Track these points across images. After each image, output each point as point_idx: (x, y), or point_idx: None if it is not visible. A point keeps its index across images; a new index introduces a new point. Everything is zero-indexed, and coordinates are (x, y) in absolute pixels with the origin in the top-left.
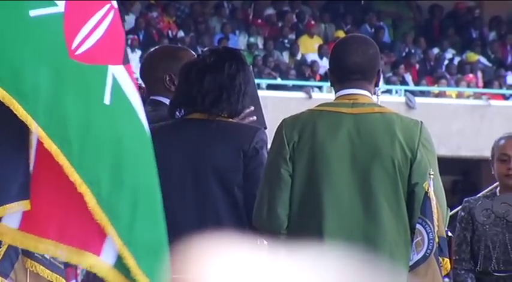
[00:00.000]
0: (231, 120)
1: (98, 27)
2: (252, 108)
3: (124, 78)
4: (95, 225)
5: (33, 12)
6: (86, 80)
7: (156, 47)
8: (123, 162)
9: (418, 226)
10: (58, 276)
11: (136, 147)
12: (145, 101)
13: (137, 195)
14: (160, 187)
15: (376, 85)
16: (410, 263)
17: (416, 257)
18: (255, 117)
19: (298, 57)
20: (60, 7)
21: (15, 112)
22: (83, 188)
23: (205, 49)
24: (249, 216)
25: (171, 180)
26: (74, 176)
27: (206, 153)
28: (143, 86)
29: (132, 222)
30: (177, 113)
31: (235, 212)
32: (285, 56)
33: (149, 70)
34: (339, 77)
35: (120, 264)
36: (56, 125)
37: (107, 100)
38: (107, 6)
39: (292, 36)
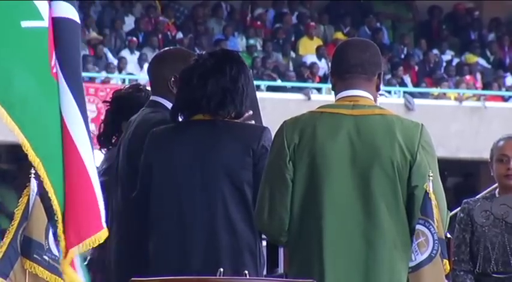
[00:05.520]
0: (236, 120)
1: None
2: (251, 112)
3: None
4: None
5: (24, 23)
6: (56, 97)
7: (170, 47)
8: None
9: (420, 227)
10: (57, 277)
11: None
12: (145, 102)
13: None
14: (171, 187)
15: (378, 89)
16: (413, 264)
17: (421, 258)
18: (253, 122)
19: (297, 58)
20: (45, 22)
21: (3, 121)
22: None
23: (203, 52)
24: None
25: (181, 179)
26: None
27: (215, 152)
28: (145, 87)
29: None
30: (179, 116)
31: (245, 209)
32: (284, 58)
33: (157, 67)
34: (340, 72)
35: None
36: (40, 136)
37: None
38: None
39: (291, 37)
